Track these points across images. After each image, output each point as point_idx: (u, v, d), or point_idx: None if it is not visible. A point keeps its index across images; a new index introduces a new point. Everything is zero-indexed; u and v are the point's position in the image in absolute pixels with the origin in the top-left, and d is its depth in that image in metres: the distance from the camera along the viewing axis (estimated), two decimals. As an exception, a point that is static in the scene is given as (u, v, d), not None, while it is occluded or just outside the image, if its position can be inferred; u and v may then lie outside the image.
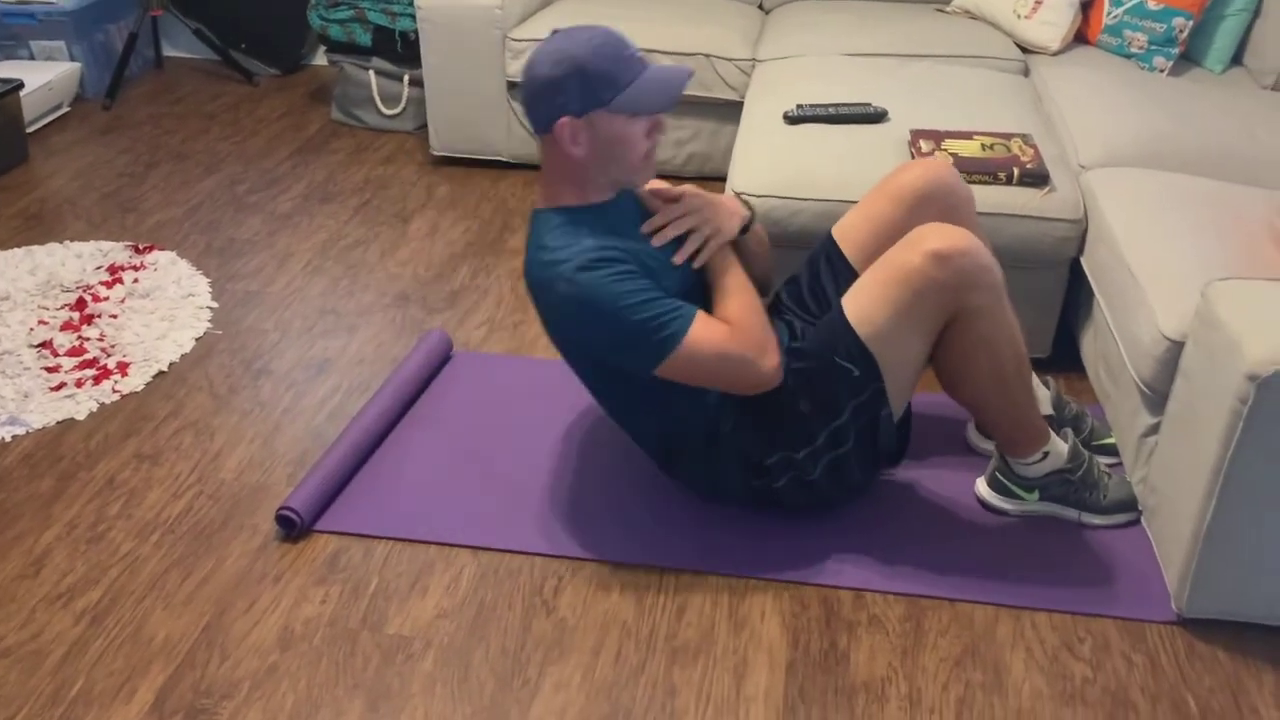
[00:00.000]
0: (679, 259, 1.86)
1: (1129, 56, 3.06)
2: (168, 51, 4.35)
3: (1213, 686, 1.72)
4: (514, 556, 1.96)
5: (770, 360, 1.80)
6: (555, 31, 1.78)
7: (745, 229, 1.95)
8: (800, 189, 2.36)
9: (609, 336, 1.78)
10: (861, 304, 1.84)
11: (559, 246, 1.78)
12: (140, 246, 2.94)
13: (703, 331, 1.77)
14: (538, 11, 3.44)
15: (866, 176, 2.35)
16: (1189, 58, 3.05)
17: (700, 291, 1.90)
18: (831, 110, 2.60)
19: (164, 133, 3.71)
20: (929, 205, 2.00)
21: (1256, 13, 2.98)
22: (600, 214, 1.84)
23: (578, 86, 1.73)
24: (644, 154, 1.82)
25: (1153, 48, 3.00)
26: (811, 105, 2.62)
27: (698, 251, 1.88)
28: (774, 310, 2.14)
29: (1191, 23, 2.95)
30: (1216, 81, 2.96)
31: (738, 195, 1.99)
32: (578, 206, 1.84)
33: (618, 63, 1.74)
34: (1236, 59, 3.06)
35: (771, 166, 2.43)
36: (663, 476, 2.12)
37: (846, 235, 2.07)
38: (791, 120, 2.60)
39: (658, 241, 1.86)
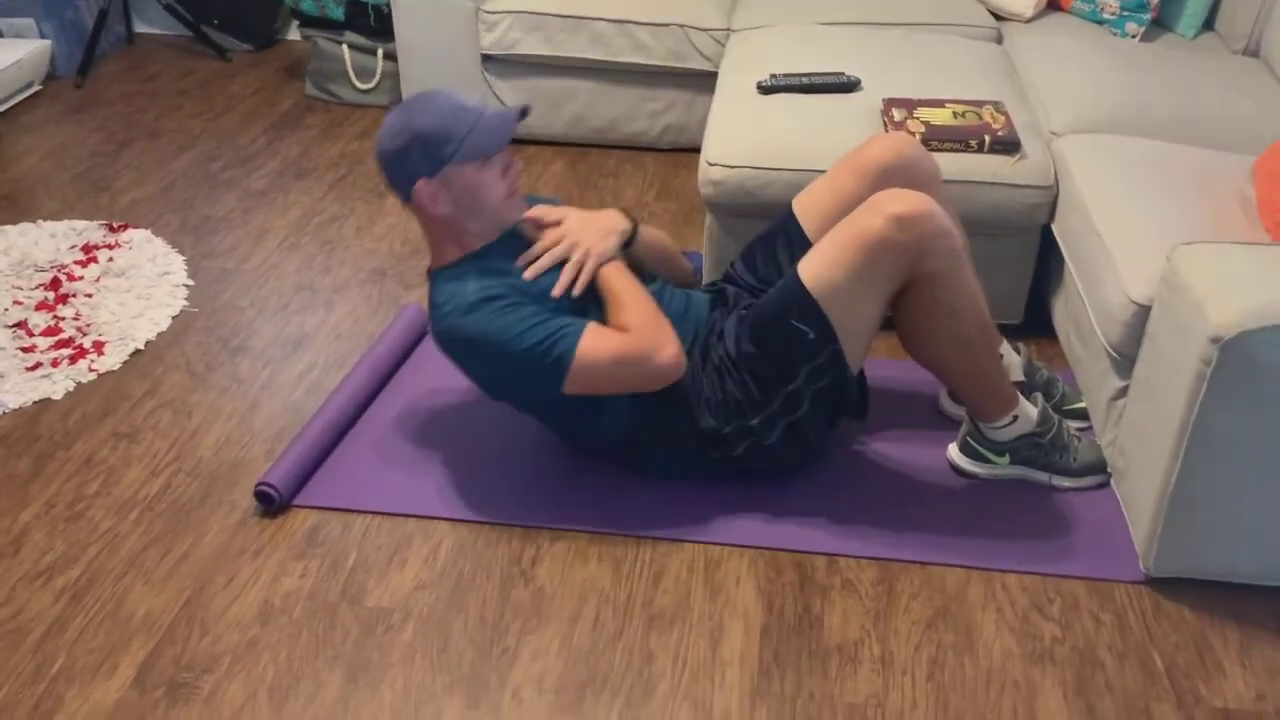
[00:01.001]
0: (555, 292, 1.89)
1: (1102, 22, 3.06)
2: (139, 27, 4.31)
3: (1179, 643, 1.76)
4: (492, 528, 1.98)
5: (666, 352, 1.84)
6: (393, 106, 1.88)
7: (629, 243, 1.99)
8: (772, 159, 2.37)
9: (506, 369, 1.87)
10: (817, 267, 1.85)
11: (446, 299, 1.88)
12: (115, 225, 2.93)
13: (593, 343, 1.82)
14: (511, -17, 3.42)
15: (839, 147, 2.36)
16: (1161, 23, 3.06)
17: (596, 304, 1.93)
18: (805, 80, 2.60)
19: (137, 110, 3.68)
20: (892, 179, 2.01)
21: (1227, -23, 2.99)
22: (480, 258, 1.91)
23: (419, 151, 1.84)
24: (504, 194, 1.91)
25: (1125, 13, 3.01)
26: (785, 75, 2.62)
27: (576, 280, 1.92)
28: (726, 280, 2.16)
29: (1163, -12, 2.96)
30: (1188, 47, 2.98)
31: (624, 209, 2.04)
32: (460, 259, 1.92)
33: (450, 118, 1.84)
34: (1208, 24, 3.07)
35: (744, 137, 2.43)
36: (639, 447, 2.14)
37: (808, 209, 2.09)
38: (765, 90, 2.60)
39: (529, 275, 1.90)
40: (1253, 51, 2.92)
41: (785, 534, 1.95)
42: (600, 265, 1.93)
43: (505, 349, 1.83)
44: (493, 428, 2.21)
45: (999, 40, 3.09)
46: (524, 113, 1.90)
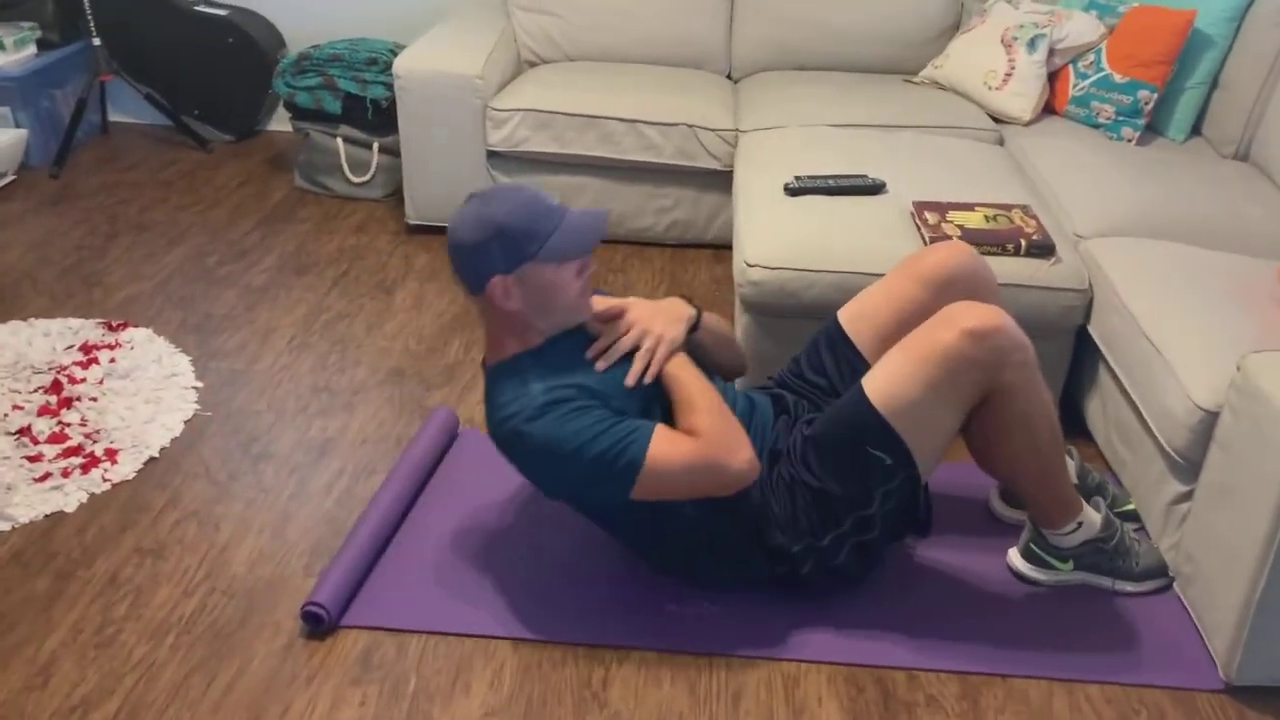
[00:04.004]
0: (630, 381, 1.84)
1: (1097, 126, 3.16)
2: (114, 117, 4.21)
3: (1270, 755, 1.75)
4: (555, 647, 1.90)
5: (740, 457, 1.79)
6: (472, 196, 1.83)
7: (694, 328, 1.96)
8: (815, 261, 2.37)
9: (574, 476, 1.79)
10: (887, 385, 1.82)
11: (509, 400, 1.81)
12: (112, 324, 2.81)
13: (664, 447, 1.77)
14: (514, 80, 3.42)
15: (878, 247, 2.38)
16: (1152, 128, 3.17)
17: (662, 401, 1.89)
18: (831, 182, 2.63)
19: (119, 202, 3.57)
20: (956, 286, 2.01)
21: (1213, 86, 3.11)
22: (541, 355, 1.85)
23: (500, 247, 1.77)
24: (578, 294, 1.85)
25: (1120, 118, 3.12)
26: (810, 177, 2.64)
27: (649, 367, 1.87)
28: (780, 386, 2.13)
29: (1156, 95, 3.07)
30: (1180, 150, 3.08)
31: (686, 296, 2.01)
32: (519, 354, 1.86)
33: (535, 218, 1.78)
34: (1196, 129, 3.18)
35: (781, 238, 2.44)
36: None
37: (857, 319, 2.07)
38: (792, 192, 2.61)
39: (601, 366, 1.85)
40: (1242, 156, 3.03)
41: (860, 648, 1.90)
42: (671, 352, 1.88)
43: (574, 456, 1.76)
44: (542, 537, 2.13)
45: (1001, 143, 3.17)
46: (606, 215, 1.85)
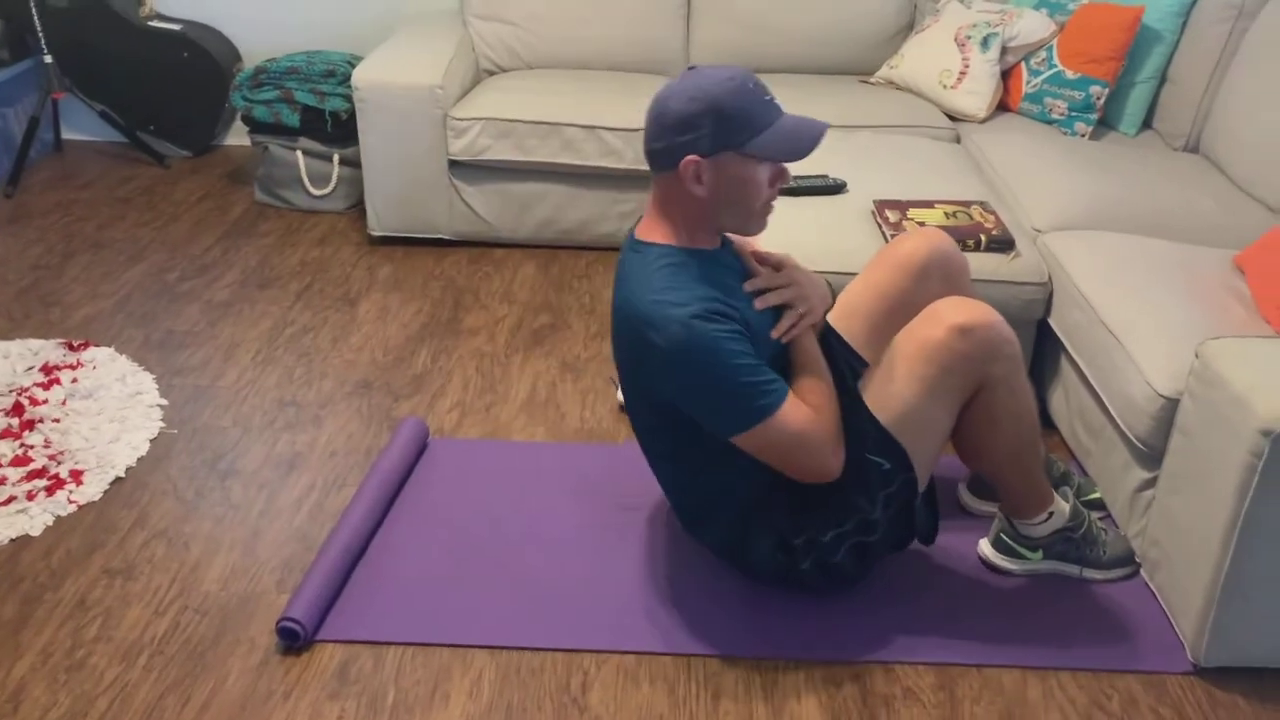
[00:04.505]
0: (776, 334, 1.82)
1: (1051, 122, 3.21)
2: (68, 134, 4.15)
3: (1239, 733, 1.78)
4: (533, 654, 1.89)
5: (840, 454, 1.80)
6: (691, 68, 1.73)
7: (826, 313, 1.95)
8: (781, 262, 2.38)
9: (707, 392, 1.73)
10: (882, 389, 1.84)
11: (671, 288, 1.71)
12: (73, 343, 2.77)
13: (792, 411, 1.74)
14: (474, 89, 3.42)
15: (842, 246, 2.40)
16: (1104, 122, 3.23)
17: (784, 366, 1.85)
18: (793, 183, 2.65)
19: (75, 220, 3.53)
20: (931, 272, 2.03)
21: (1162, 80, 3.17)
22: (707, 261, 1.77)
23: (712, 125, 1.66)
24: (765, 201, 1.76)
25: (1073, 114, 3.17)
26: (772, 178, 2.66)
27: (792, 327, 1.85)
28: None
29: (1107, 90, 3.13)
30: (1133, 144, 3.14)
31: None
32: (684, 248, 1.77)
33: (754, 105, 1.68)
34: (1147, 123, 3.24)
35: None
36: (670, 559, 2.09)
37: (850, 314, 2.06)
38: (755, 193, 2.63)
39: (760, 304, 1.81)
40: (1192, 148, 3.09)
41: (836, 643, 1.92)
42: (812, 326, 1.87)
43: (722, 375, 1.69)
44: (517, 545, 2.13)
45: (957, 140, 3.21)
46: (826, 127, 1.75)
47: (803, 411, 1.76)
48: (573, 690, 1.82)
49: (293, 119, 3.52)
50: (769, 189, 1.75)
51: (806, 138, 1.71)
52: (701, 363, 1.69)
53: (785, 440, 1.75)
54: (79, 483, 2.27)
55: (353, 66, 3.50)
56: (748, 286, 1.83)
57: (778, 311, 1.85)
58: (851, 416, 1.84)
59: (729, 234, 1.87)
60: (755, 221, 1.80)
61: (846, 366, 1.93)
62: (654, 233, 1.79)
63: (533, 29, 3.56)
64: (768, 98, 1.71)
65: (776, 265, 1.89)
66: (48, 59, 3.72)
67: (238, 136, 4.08)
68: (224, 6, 3.96)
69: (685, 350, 1.69)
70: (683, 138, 1.68)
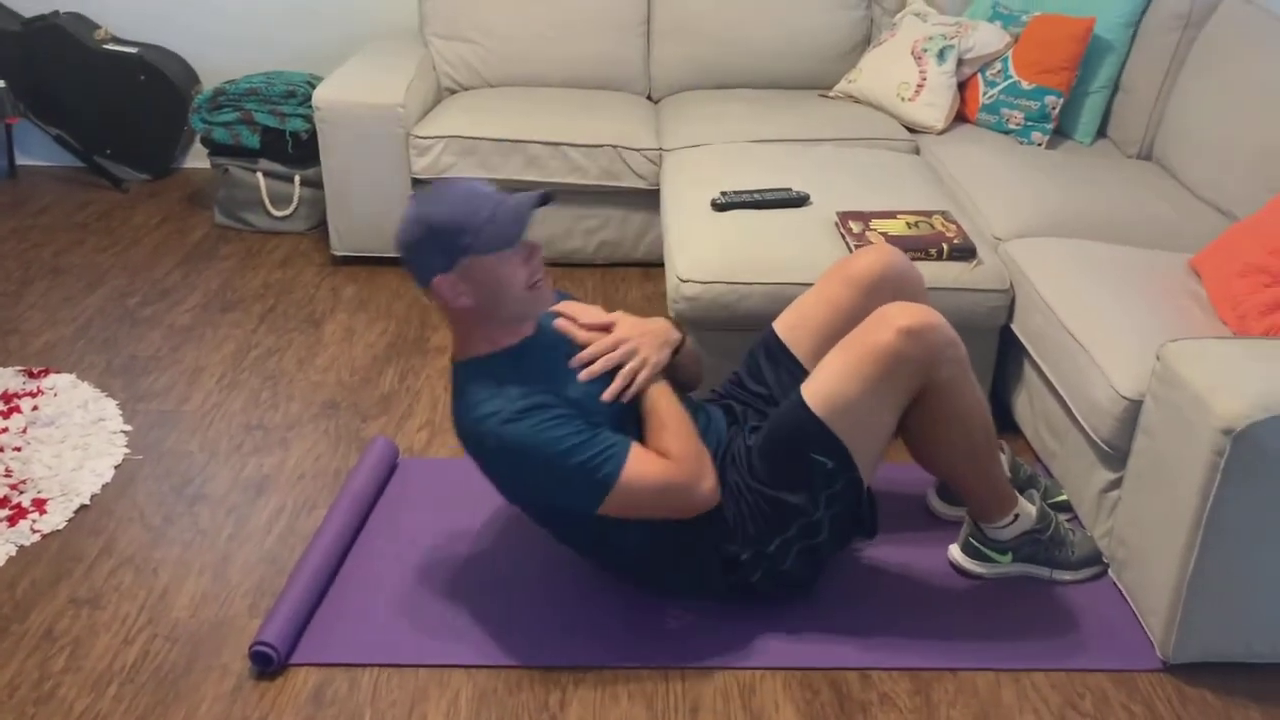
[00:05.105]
0: (606, 398, 1.84)
1: (1008, 132, 3.26)
2: (22, 160, 4.10)
3: (1209, 728, 1.81)
4: (510, 671, 1.89)
5: (707, 483, 1.83)
6: (412, 197, 1.81)
7: (678, 350, 1.96)
8: (746, 274, 2.41)
9: (545, 484, 1.80)
10: (826, 389, 1.86)
11: (484, 399, 1.79)
12: (33, 370, 2.73)
13: (638, 467, 1.78)
14: (435, 107, 3.42)
15: (806, 257, 2.42)
16: (1060, 131, 3.28)
17: (634, 416, 1.89)
18: (757, 196, 2.67)
19: (31, 246, 3.48)
20: (884, 288, 2.06)
21: (1115, 89, 3.24)
22: (517, 357, 1.84)
23: (435, 243, 1.76)
24: (527, 283, 1.80)
25: (1029, 124, 3.22)
26: (736, 192, 2.68)
27: (627, 386, 1.87)
28: (722, 398, 2.16)
29: (1062, 100, 3.18)
30: (1088, 152, 3.20)
31: (671, 318, 2.01)
32: (492, 354, 1.84)
33: (468, 211, 1.75)
34: (1101, 131, 3.30)
35: (711, 253, 2.47)
36: (644, 572, 2.10)
37: (798, 325, 2.10)
38: (719, 207, 2.65)
39: (584, 377, 1.85)
40: (1145, 155, 3.15)
41: (812, 652, 1.93)
42: (654, 375, 1.89)
43: (549, 465, 1.75)
44: (490, 563, 2.12)
45: (916, 152, 3.25)
46: (544, 199, 1.80)
47: (652, 463, 1.80)
48: (551, 707, 1.82)
49: (253, 140, 3.50)
50: (525, 268, 1.80)
51: (523, 213, 1.77)
52: (527, 461, 1.76)
53: (644, 495, 1.79)
54: (42, 511, 2.23)
55: (313, 87, 3.49)
56: (571, 363, 1.87)
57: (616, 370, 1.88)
58: (793, 416, 1.86)
59: (555, 309, 1.91)
60: (532, 303, 1.83)
61: (787, 374, 1.96)
62: (460, 351, 1.88)
63: (493, 47, 3.57)
64: (483, 193, 1.77)
65: (605, 327, 1.92)
66: (0, 84, 3.67)
67: (197, 159, 4.05)
68: (181, 29, 3.94)
69: (509, 453, 1.77)
70: (421, 262, 1.78)
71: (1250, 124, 2.63)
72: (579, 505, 1.81)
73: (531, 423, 1.75)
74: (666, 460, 1.81)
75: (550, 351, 1.87)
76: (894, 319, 1.84)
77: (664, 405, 1.87)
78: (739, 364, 2.18)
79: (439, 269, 1.77)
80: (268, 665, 1.86)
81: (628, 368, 1.87)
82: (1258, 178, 2.55)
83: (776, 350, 2.10)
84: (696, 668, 1.89)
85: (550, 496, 1.85)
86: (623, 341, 1.89)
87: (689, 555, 1.94)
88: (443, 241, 1.75)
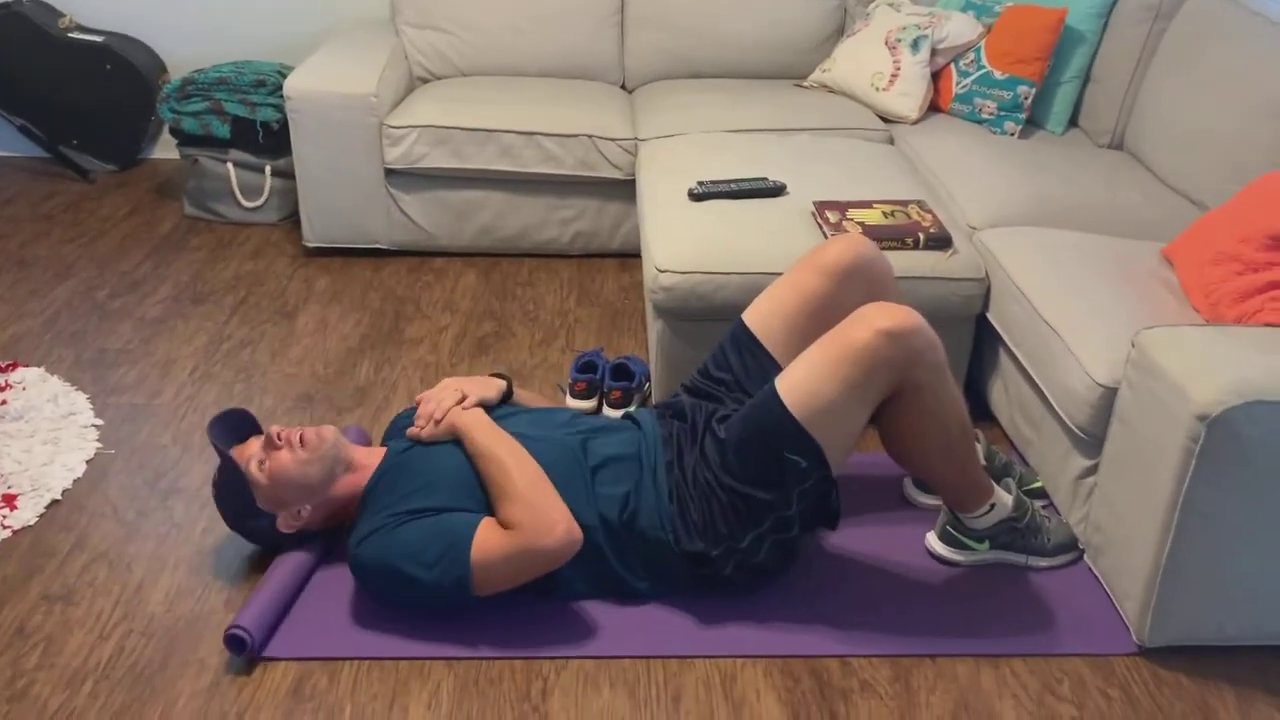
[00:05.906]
0: (410, 432, 2.01)
1: (981, 122, 3.28)
2: (-15, 151, 4.04)
3: (1184, 711, 1.83)
4: (491, 663, 1.88)
5: (555, 535, 1.82)
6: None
7: (506, 398, 2.13)
8: (724, 264, 2.41)
9: (412, 592, 1.87)
10: (802, 388, 1.85)
11: (356, 528, 1.95)
12: (1, 364, 2.69)
13: (486, 544, 1.83)
14: (408, 97, 3.39)
15: (784, 247, 2.42)
16: (1032, 121, 3.30)
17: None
18: (734, 186, 2.67)
19: (-3, 238, 3.43)
20: (854, 278, 2.07)
21: (1086, 79, 3.26)
22: (371, 489, 1.97)
23: (231, 513, 2.04)
24: (257, 460, 1.96)
25: (1002, 113, 3.24)
26: (713, 182, 2.68)
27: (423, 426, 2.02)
28: (686, 391, 2.15)
29: (1034, 90, 3.20)
30: (1060, 142, 3.22)
31: (497, 374, 2.18)
32: (359, 506, 1.99)
33: (218, 477, 2.02)
34: (1073, 121, 3.33)
35: (690, 243, 2.46)
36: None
37: (769, 315, 2.10)
38: (696, 197, 2.65)
39: (411, 433, 2.01)
40: (1117, 145, 3.18)
41: (793, 640, 1.93)
42: (457, 401, 2.01)
43: (401, 574, 1.84)
44: (469, 555, 2.11)
45: (891, 141, 3.26)
46: (228, 415, 2.05)
47: (494, 537, 1.83)
48: (533, 698, 1.81)
49: (223, 130, 3.45)
50: (252, 451, 1.97)
51: (213, 426, 2.01)
52: (387, 569, 1.87)
53: (501, 569, 1.84)
54: (13, 507, 2.20)
55: (283, 76, 3.46)
56: (407, 434, 2.03)
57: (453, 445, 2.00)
58: (770, 414, 1.86)
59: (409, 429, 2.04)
60: (305, 469, 1.94)
61: (754, 363, 2.00)
62: (348, 517, 2.03)
63: (466, 37, 3.54)
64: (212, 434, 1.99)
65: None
66: (-37, 73, 3.62)
67: (165, 149, 4.00)
68: (148, 18, 3.88)
69: (371, 573, 1.90)
70: (258, 524, 2.01)
71: (1220, 114, 2.66)
72: (456, 600, 1.86)
73: (376, 542, 1.87)
74: (509, 531, 1.83)
75: (403, 455, 2.00)
76: (874, 320, 1.83)
77: (493, 469, 1.89)
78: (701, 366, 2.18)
79: (255, 515, 1.98)
80: (242, 650, 1.84)
81: (424, 410, 2.01)
82: (1228, 167, 2.58)
83: (744, 340, 2.10)
84: (678, 657, 1.90)
85: (423, 600, 1.89)
86: (425, 397, 2.05)
87: (652, 563, 1.96)
88: (226, 508, 2.02)
